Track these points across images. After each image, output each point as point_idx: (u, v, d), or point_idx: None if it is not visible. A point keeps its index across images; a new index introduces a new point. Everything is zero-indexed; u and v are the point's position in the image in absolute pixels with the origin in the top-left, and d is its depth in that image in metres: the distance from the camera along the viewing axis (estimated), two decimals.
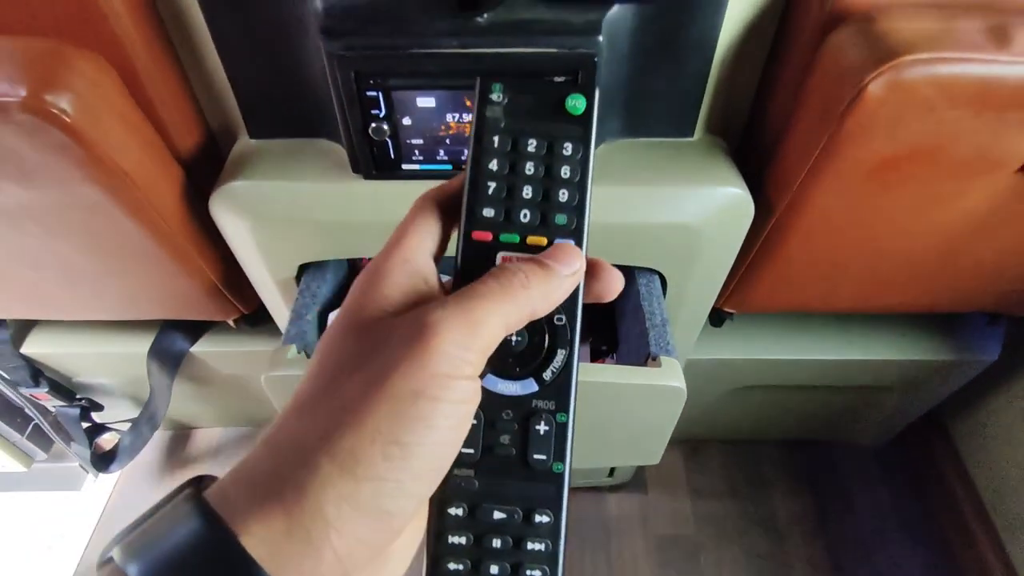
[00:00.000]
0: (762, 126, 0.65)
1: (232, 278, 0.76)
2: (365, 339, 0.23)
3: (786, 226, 0.66)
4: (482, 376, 0.25)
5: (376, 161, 0.60)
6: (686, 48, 0.58)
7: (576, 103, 0.26)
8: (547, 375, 0.25)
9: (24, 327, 0.94)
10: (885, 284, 0.75)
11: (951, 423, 1.16)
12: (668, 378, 0.61)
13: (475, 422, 0.25)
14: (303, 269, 0.72)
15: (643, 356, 0.67)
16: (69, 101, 0.51)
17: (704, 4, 0.54)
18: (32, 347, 0.93)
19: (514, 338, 0.25)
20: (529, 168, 0.26)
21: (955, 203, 0.62)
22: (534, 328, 0.25)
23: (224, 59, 0.59)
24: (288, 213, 0.64)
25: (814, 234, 0.66)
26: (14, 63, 0.51)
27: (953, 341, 0.92)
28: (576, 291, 0.25)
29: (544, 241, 0.25)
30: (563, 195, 0.26)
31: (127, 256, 0.68)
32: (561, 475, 0.24)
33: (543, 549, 0.24)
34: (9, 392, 1.10)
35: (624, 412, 0.65)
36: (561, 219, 0.26)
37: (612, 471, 1.13)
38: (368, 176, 0.61)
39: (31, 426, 1.24)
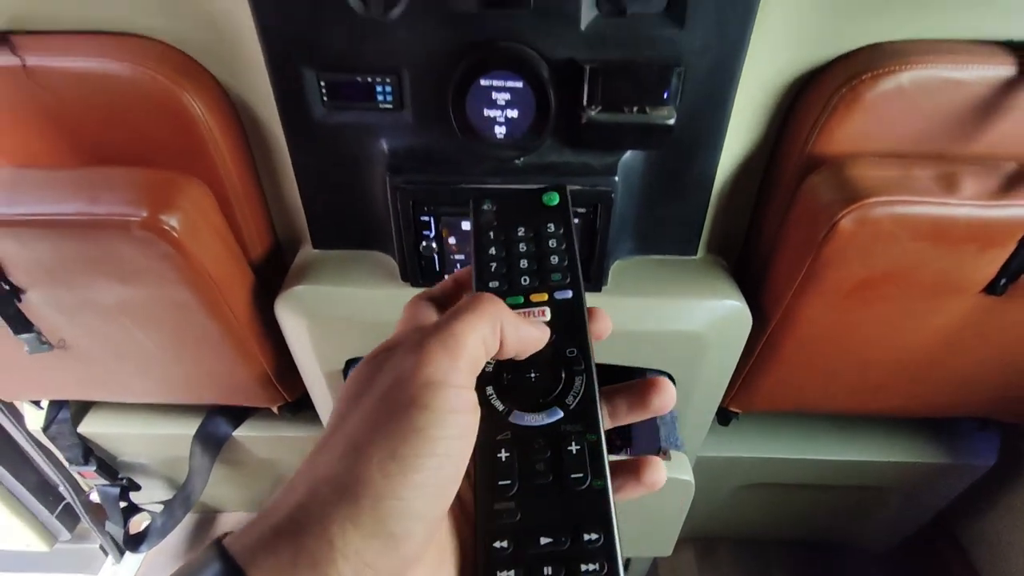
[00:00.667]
0: (756, 248, 0.75)
1: (283, 369, 0.85)
2: (370, 369, 0.26)
3: (780, 335, 0.74)
4: (509, 414, 0.27)
5: (423, 272, 0.70)
6: (688, 183, 0.69)
7: (551, 197, 0.32)
8: (569, 400, 0.27)
9: (82, 408, 1.02)
10: (875, 389, 0.82)
11: (959, 529, 1.17)
12: (677, 471, 0.67)
13: (508, 455, 0.26)
14: (350, 364, 0.80)
15: (655, 450, 0.73)
16: (178, 220, 0.62)
17: (702, 149, 0.66)
18: (88, 427, 1.00)
19: (533, 375, 0.27)
20: (523, 247, 0.31)
21: (928, 319, 0.71)
22: (550, 364, 0.27)
23: (301, 185, 0.71)
24: (343, 314, 0.73)
25: (806, 342, 0.74)
26: (136, 189, 0.63)
27: (948, 445, 0.97)
28: (583, 326, 0.29)
29: (545, 296, 0.29)
30: (555, 259, 0.30)
31: (197, 346, 0.77)
32: (604, 491, 0.25)
33: (598, 569, 0.23)
34: (47, 469, 1.16)
35: (636, 502, 0.71)
36: (556, 276, 0.30)
37: (627, 565, 1.15)
38: (415, 284, 0.71)
39: (62, 505, 1.29)
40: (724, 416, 0.94)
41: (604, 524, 0.24)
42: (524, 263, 0.30)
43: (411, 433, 0.22)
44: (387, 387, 0.23)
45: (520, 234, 0.31)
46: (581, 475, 0.25)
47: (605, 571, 0.23)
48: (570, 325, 0.28)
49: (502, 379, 0.27)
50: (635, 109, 0.59)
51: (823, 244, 0.62)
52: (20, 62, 0.62)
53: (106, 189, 0.62)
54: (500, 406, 0.27)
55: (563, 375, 0.27)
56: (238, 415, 1.00)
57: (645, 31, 0.57)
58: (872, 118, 0.63)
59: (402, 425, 0.22)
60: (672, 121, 0.59)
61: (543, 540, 0.24)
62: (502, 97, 0.58)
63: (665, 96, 0.58)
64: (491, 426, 0.26)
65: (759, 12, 0.57)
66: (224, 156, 0.68)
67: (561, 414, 0.26)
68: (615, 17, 0.56)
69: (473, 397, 0.24)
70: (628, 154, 0.65)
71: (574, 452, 0.25)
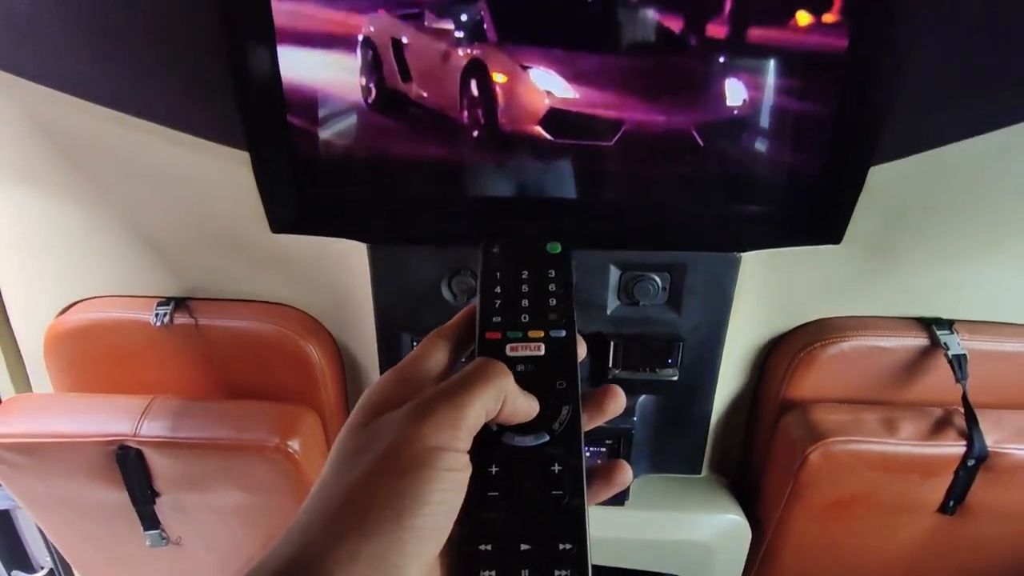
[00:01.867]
0: (749, 468, 0.92)
1: None
2: (369, 431, 0.27)
3: (777, 544, 0.88)
4: (501, 435, 0.29)
5: None
6: (690, 419, 0.88)
7: (554, 247, 0.35)
8: (556, 426, 0.29)
9: None
10: None
11: None
12: None
13: (498, 470, 0.28)
14: None
15: None
16: (298, 443, 0.81)
17: (700, 395, 0.86)
18: None
19: None
20: (524, 288, 0.34)
21: (897, 533, 0.85)
22: (541, 393, 0.30)
23: None
24: None
25: (799, 551, 0.88)
26: (270, 420, 0.82)
27: None
28: (573, 362, 0.31)
29: (541, 334, 0.32)
30: (552, 302, 0.33)
31: None
32: (580, 509, 0.27)
33: (568, 574, 0.26)
34: None
35: None
36: (553, 317, 0.32)
37: None
38: None
39: None
40: None
41: (578, 536, 0.27)
42: (525, 303, 0.33)
43: (409, 487, 0.24)
44: (391, 444, 0.25)
45: (524, 277, 0.34)
46: (561, 493, 0.27)
47: None
48: (561, 360, 0.31)
49: None
50: (647, 369, 0.80)
51: (799, 472, 0.80)
52: (194, 322, 0.86)
53: (247, 419, 0.82)
54: (494, 427, 0.29)
55: (552, 404, 0.29)
56: None
57: (652, 315, 0.80)
58: (825, 374, 0.83)
59: (404, 480, 0.24)
60: (676, 378, 0.80)
61: (523, 546, 0.26)
62: None
63: (669, 362, 0.80)
64: (484, 444, 0.28)
65: (734, 302, 0.80)
66: (329, 390, 0.89)
67: (548, 438, 0.29)
68: (631, 306, 0.79)
69: (466, 458, 0.26)
70: (643, 397, 0.85)
71: (556, 472, 0.28)
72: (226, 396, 0.89)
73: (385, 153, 0.80)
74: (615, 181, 0.82)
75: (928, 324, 0.83)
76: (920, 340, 0.82)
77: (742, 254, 0.76)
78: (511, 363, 0.30)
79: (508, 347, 0.31)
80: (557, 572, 0.26)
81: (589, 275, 0.77)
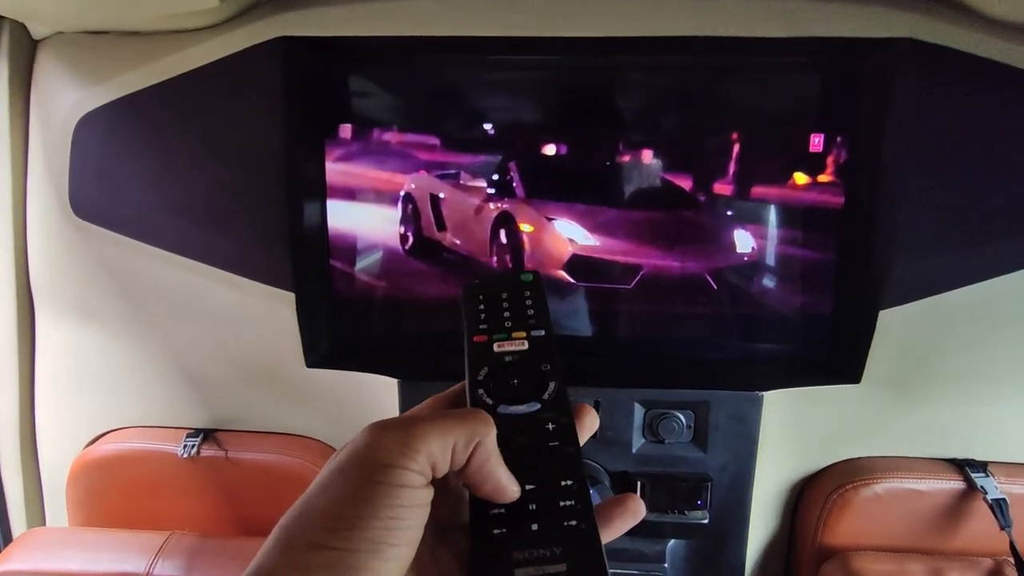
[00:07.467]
0: None
1: None
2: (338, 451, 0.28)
3: None
4: (496, 407, 0.31)
5: None
6: (723, 565, 0.84)
7: (527, 276, 0.39)
8: (545, 397, 0.32)
9: None
10: None
11: None
12: None
13: (498, 433, 0.29)
14: None
15: None
16: None
17: (732, 539, 0.82)
18: None
19: (515, 381, 0.33)
20: (505, 303, 0.37)
21: None
22: (528, 374, 0.33)
23: None
24: None
25: None
26: None
27: None
28: (555, 351, 0.34)
29: (524, 334, 0.35)
30: (531, 311, 0.37)
31: None
32: (577, 454, 0.30)
33: (573, 503, 0.28)
34: None
35: None
36: (532, 321, 0.36)
37: None
38: None
39: None
40: None
41: (577, 474, 0.29)
42: (507, 313, 0.36)
43: (360, 501, 0.24)
44: (345, 460, 0.26)
45: (503, 296, 0.37)
46: (558, 443, 0.30)
47: (579, 507, 0.28)
48: (544, 350, 0.35)
49: (490, 384, 0.33)
50: (676, 511, 0.78)
51: None
52: (220, 454, 0.86)
53: None
54: (489, 401, 0.32)
55: (539, 381, 0.33)
56: None
57: (679, 454, 0.79)
58: (861, 518, 0.81)
59: (353, 493, 0.25)
60: (706, 521, 0.78)
61: (528, 485, 0.29)
62: None
63: (699, 503, 0.78)
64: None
65: (760, 441, 0.80)
66: None
67: (539, 405, 0.32)
68: (657, 444, 0.79)
69: (423, 479, 0.26)
70: (673, 541, 0.82)
71: (551, 429, 0.31)
72: (246, 531, 0.87)
73: (418, 294, 0.86)
74: (636, 322, 0.86)
75: (961, 466, 0.81)
76: (956, 483, 0.80)
77: (764, 393, 0.78)
78: (499, 357, 0.34)
79: (495, 345, 0.34)
80: (562, 503, 0.28)
81: (614, 413, 0.78)
